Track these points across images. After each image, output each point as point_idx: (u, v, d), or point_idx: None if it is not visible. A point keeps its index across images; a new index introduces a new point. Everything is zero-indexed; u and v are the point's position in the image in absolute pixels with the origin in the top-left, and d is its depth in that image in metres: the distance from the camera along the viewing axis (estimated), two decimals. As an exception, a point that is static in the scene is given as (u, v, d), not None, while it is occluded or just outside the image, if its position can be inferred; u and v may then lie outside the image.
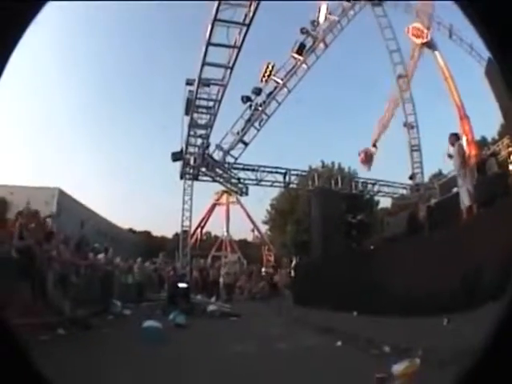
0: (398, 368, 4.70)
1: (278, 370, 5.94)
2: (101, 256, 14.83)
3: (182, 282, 17.58)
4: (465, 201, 10.16)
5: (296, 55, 25.61)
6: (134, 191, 74.22)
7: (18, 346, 1.46)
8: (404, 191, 28.27)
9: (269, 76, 25.55)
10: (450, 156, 10.38)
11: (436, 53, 28.56)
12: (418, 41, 28.75)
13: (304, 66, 25.90)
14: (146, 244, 38.38)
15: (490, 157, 15.75)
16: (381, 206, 35.22)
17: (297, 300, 16.95)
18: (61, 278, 10.02)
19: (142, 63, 72.79)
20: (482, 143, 27.70)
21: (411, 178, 27.88)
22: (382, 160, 30.85)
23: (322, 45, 26.18)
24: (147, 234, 48.66)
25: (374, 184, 28.19)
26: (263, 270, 28.92)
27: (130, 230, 42.75)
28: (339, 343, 7.59)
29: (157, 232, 52.52)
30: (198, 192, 26.79)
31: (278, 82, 25.71)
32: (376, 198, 32.62)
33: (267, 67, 25.55)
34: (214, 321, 13.47)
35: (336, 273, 13.08)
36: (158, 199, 74.15)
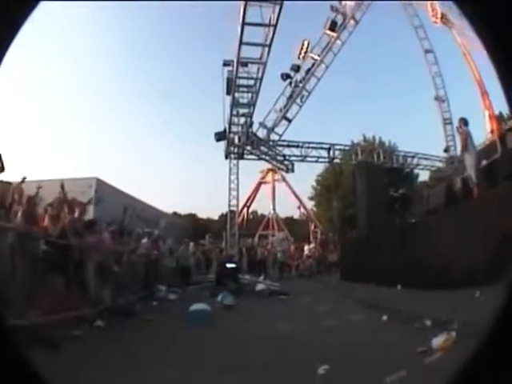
0: (436, 341, 4.92)
1: (327, 346, 5.98)
2: (144, 241, 14.75)
3: (230, 262, 17.49)
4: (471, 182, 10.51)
5: (329, 32, 25.77)
6: (177, 174, 74.59)
7: (16, 347, 1.48)
8: (440, 164, 28.43)
9: (305, 53, 25.76)
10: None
11: (453, 30, 27.73)
12: (435, 18, 28.11)
13: (338, 42, 26.03)
14: (192, 227, 38.60)
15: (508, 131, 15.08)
16: (420, 179, 34.57)
17: (344, 276, 16.87)
18: (101, 267, 9.87)
19: (175, 45, 72.43)
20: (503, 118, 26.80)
21: (446, 150, 27.95)
22: (420, 133, 31.11)
23: (352, 21, 26.17)
24: (192, 216, 48.92)
25: (413, 157, 28.46)
26: (310, 246, 28.72)
27: (175, 214, 43.05)
28: (385, 318, 7.77)
29: (202, 214, 52.92)
30: (242, 171, 26.84)
31: (315, 59, 25.89)
32: (415, 171, 32.57)
33: (303, 44, 25.75)
34: (262, 300, 13.39)
35: (380, 247, 12.98)
36: (202, 181, 74.41)
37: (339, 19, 25.96)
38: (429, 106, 29.87)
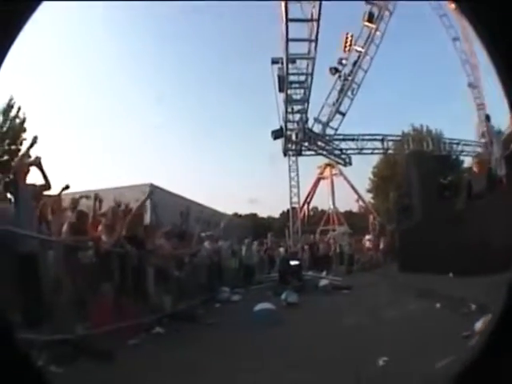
0: (478, 325, 5.12)
1: (385, 338, 6.24)
2: (206, 243, 14.68)
3: (294, 259, 17.26)
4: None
5: (368, 24, 26.10)
6: (235, 175, 74.92)
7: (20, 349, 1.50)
8: (480, 150, 27.70)
9: (350, 46, 26.19)
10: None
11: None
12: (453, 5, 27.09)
13: (378, 33, 26.32)
14: (253, 226, 38.81)
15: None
16: (465, 165, 33.70)
17: (401, 266, 16.67)
18: (161, 273, 9.81)
19: (224, 48, 72.75)
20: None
21: (483, 135, 26.80)
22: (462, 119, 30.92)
23: (387, 12, 26.26)
24: (253, 216, 49.14)
25: (457, 144, 28.92)
26: (370, 238, 28.39)
27: (236, 215, 43.38)
28: (438, 305, 8.10)
29: (263, 213, 53.01)
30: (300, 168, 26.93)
31: (359, 51, 26.32)
32: (460, 157, 31.89)
33: (346, 37, 26.15)
34: (326, 296, 13.23)
35: (434, 235, 12.92)
36: (261, 180, 74.38)
37: (375, 11, 26.13)
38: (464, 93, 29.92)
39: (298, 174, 26.86)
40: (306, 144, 26.23)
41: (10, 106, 26.74)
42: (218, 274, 14.30)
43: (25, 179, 6.82)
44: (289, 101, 24.61)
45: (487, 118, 11.74)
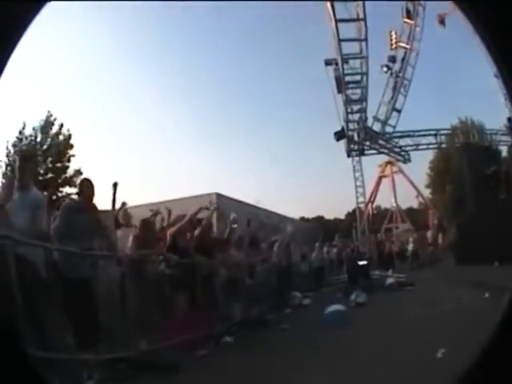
0: None
1: (443, 331, 6.45)
2: (275, 249, 14.85)
3: (362, 259, 17.36)
4: None
5: (407, 20, 26.03)
6: (299, 180, 74.52)
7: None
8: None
9: (396, 43, 26.27)
10: None
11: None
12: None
13: (418, 29, 26.28)
14: (321, 228, 38.71)
15: None
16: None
17: (459, 259, 17.01)
18: (231, 282, 9.99)
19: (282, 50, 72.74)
20: None
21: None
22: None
23: (420, 8, 26.14)
24: (320, 218, 48.97)
25: (495, 134, 27.99)
26: (430, 234, 27.94)
27: (303, 219, 43.43)
28: (486, 295, 8.33)
29: (329, 215, 52.73)
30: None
31: (405, 48, 26.35)
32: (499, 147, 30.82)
33: (391, 35, 26.26)
34: (391, 293, 13.69)
35: (487, 226, 13.35)
36: (324, 182, 73.72)
37: (410, 7, 26.03)
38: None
39: (362, 174, 27.19)
40: (368, 143, 26.38)
41: (48, 123, 26.87)
42: (288, 278, 14.42)
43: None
44: (348, 101, 24.82)
45: (508, 120, 11.23)
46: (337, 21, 19.14)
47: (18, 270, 5.10)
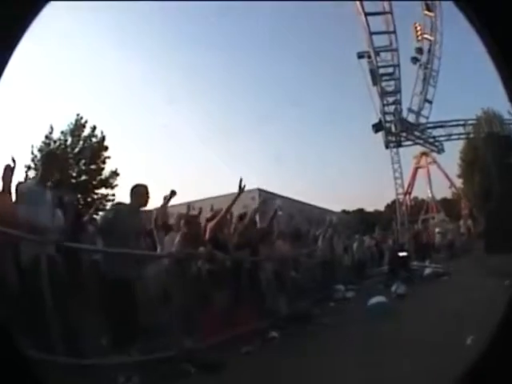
0: None
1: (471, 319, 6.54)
2: (319, 242, 14.99)
3: (402, 250, 17.68)
4: None
5: (427, 12, 26.13)
6: (339, 173, 73.85)
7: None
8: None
9: (421, 35, 26.53)
10: None
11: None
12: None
13: (438, 21, 26.26)
14: (362, 221, 38.73)
15: None
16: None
17: (488, 248, 16.99)
18: (277, 276, 10.15)
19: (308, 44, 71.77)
20: None
21: None
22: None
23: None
24: (361, 211, 48.91)
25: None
26: (462, 224, 27.61)
27: (344, 212, 43.65)
28: (506, 282, 8.11)
29: (369, 207, 52.60)
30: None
31: (430, 40, 26.66)
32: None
33: (415, 28, 26.56)
34: (429, 284, 13.93)
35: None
36: (364, 175, 72.86)
37: None
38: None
39: (400, 166, 27.45)
40: (404, 134, 26.63)
41: (79, 126, 27.02)
42: (331, 271, 14.60)
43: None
44: (383, 93, 25.14)
45: None
46: (366, 14, 19.37)
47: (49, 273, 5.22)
